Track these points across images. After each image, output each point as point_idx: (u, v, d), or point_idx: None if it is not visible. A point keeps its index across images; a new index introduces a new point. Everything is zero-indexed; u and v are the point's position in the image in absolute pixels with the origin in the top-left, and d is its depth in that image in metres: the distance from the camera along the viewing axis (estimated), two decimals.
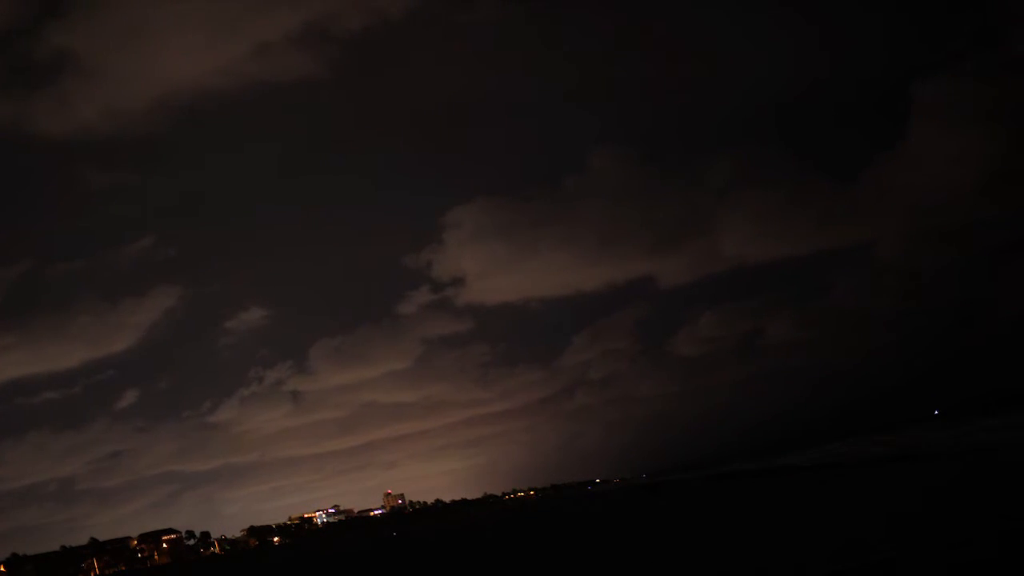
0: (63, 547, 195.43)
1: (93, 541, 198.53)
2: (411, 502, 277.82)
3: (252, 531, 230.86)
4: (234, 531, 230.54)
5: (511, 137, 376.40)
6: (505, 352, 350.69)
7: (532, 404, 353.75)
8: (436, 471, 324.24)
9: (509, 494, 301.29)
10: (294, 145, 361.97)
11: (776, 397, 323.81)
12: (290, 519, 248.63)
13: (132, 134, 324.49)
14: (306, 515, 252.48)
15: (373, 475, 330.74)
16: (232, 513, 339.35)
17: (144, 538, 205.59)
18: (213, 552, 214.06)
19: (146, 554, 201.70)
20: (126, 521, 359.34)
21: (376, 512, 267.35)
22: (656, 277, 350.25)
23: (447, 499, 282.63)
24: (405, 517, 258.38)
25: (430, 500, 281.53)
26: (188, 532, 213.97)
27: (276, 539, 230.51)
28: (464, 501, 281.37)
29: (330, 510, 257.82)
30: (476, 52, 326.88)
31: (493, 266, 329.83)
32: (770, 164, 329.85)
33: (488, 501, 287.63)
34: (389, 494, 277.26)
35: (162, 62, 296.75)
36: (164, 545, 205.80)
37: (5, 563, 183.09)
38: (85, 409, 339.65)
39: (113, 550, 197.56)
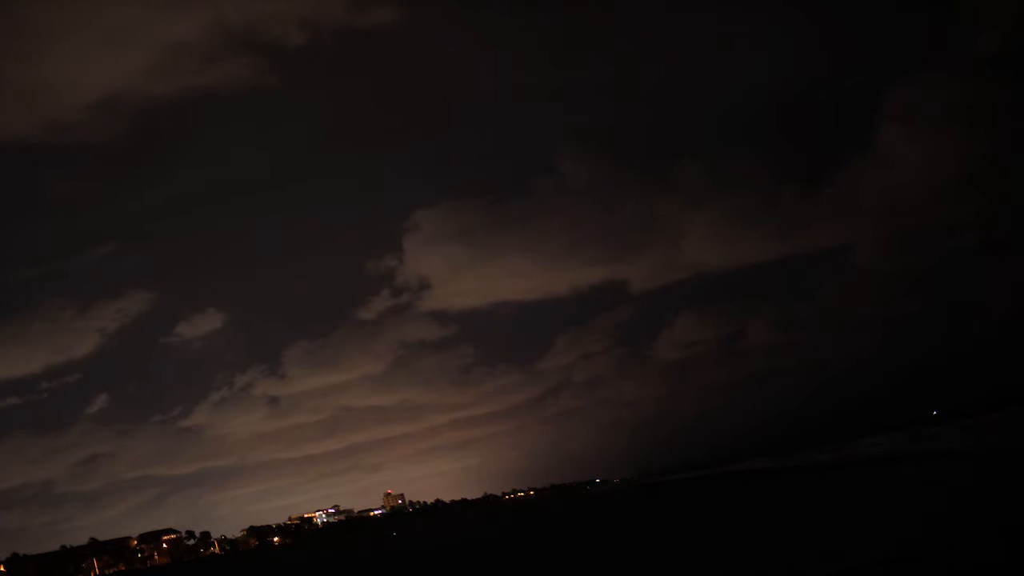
0: (63, 547, 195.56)
1: (93, 541, 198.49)
2: (411, 502, 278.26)
3: (252, 531, 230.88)
4: (232, 532, 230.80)
5: (479, 140, 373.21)
6: (483, 356, 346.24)
7: (516, 407, 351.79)
8: (425, 473, 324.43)
9: (509, 494, 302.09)
10: (257, 151, 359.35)
11: (769, 399, 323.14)
12: (290, 519, 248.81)
13: (83, 142, 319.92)
14: (306, 515, 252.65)
15: (359, 478, 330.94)
16: (221, 515, 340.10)
17: (144, 538, 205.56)
18: (213, 552, 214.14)
19: (146, 554, 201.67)
20: (110, 524, 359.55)
21: (376, 512, 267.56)
22: (630, 280, 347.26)
23: (447, 499, 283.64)
24: (405, 517, 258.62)
25: (430, 500, 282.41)
26: (188, 532, 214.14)
27: (276, 539, 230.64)
28: (464, 501, 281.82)
29: (330, 510, 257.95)
30: (441, 54, 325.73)
31: (464, 270, 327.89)
32: (744, 167, 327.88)
33: (488, 501, 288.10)
34: (389, 494, 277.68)
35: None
36: (164, 545, 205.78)
37: (5, 563, 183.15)
38: (54, 413, 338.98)
39: (113, 550, 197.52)
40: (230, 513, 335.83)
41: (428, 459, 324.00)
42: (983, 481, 39.91)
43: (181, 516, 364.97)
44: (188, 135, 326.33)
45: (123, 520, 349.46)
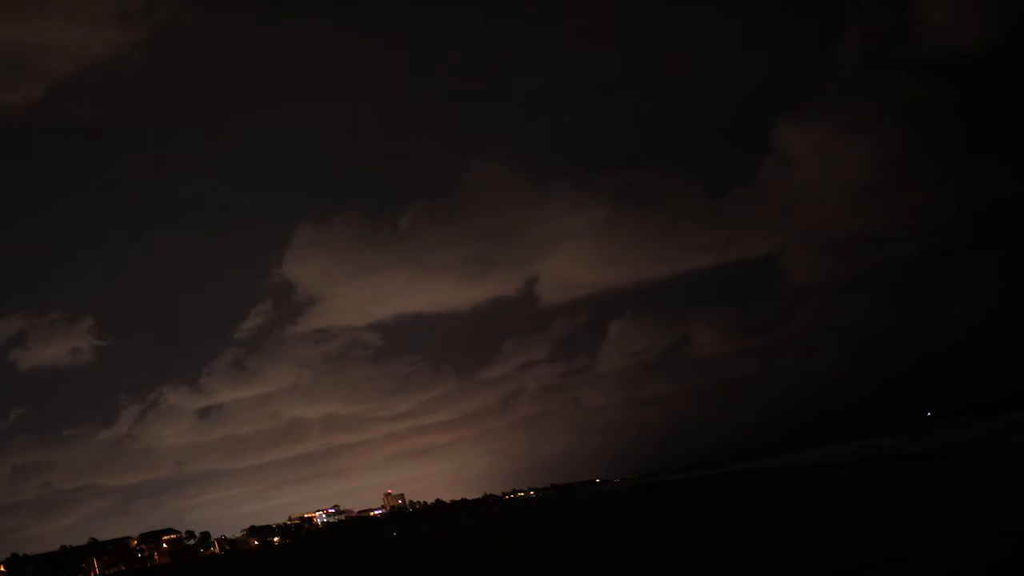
0: (63, 547, 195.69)
1: (93, 541, 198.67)
2: (411, 502, 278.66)
3: (252, 531, 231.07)
4: (231, 532, 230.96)
5: (391, 147, 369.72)
6: (422, 364, 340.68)
7: (469, 415, 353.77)
8: (391, 479, 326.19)
9: (509, 494, 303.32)
10: (151, 164, 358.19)
11: (726, 404, 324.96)
12: (290, 519, 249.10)
13: None
14: (306, 515, 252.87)
15: (326, 484, 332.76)
16: (197, 519, 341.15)
17: (144, 538, 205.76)
18: (213, 552, 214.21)
19: (146, 554, 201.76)
20: (70, 531, 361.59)
21: (376, 512, 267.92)
22: (543, 292, 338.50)
23: (447, 499, 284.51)
24: (405, 517, 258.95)
25: (430, 500, 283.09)
26: (188, 532, 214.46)
27: (276, 539, 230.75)
28: (464, 501, 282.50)
29: (330, 510, 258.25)
30: (358, 54, 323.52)
31: (374, 280, 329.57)
32: (663, 179, 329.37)
33: (488, 501, 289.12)
34: (389, 494, 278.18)
35: None
36: (164, 545, 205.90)
37: (5, 563, 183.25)
38: None
39: (113, 550, 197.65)
40: (205, 518, 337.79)
41: (395, 465, 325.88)
42: (982, 481, 39.89)
43: (160, 519, 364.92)
44: (61, 153, 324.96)
45: (84, 526, 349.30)
